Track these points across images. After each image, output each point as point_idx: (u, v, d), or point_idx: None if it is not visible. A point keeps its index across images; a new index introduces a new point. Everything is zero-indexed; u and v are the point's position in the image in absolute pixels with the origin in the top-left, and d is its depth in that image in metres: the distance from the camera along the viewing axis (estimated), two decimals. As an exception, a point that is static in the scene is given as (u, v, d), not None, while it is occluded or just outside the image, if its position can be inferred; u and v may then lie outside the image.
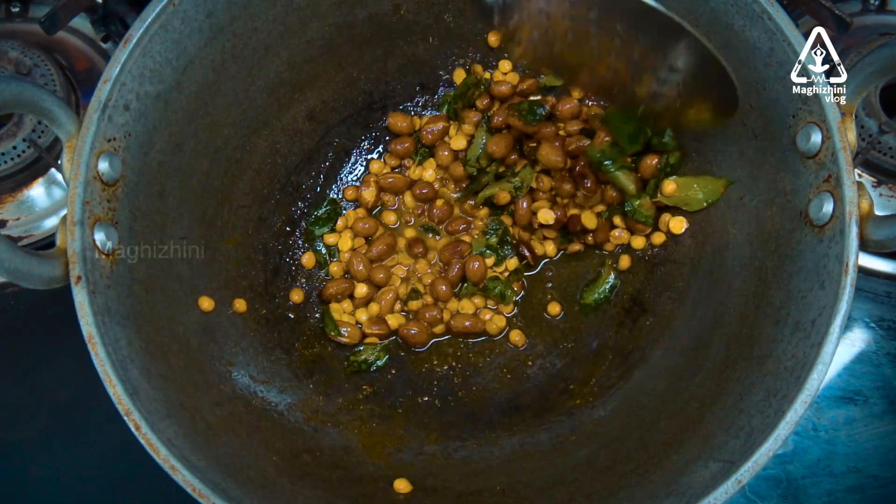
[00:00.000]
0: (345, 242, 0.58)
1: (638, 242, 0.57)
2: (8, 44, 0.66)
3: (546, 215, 0.56)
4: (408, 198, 0.60)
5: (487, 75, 0.60)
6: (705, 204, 0.53)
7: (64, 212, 0.41)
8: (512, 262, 0.58)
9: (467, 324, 0.56)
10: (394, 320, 0.56)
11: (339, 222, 0.59)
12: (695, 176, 0.54)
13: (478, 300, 0.58)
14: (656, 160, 0.55)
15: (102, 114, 0.42)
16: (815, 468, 0.57)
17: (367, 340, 0.56)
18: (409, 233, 0.60)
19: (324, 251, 0.59)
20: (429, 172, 0.60)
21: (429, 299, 0.58)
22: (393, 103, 0.61)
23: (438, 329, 0.57)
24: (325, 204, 0.60)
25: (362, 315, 0.57)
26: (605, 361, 0.55)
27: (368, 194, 0.59)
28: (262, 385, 0.51)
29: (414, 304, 0.58)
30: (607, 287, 0.57)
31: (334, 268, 0.58)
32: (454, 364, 0.56)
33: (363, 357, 0.56)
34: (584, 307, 0.57)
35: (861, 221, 0.41)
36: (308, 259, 0.58)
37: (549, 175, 0.58)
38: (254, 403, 0.49)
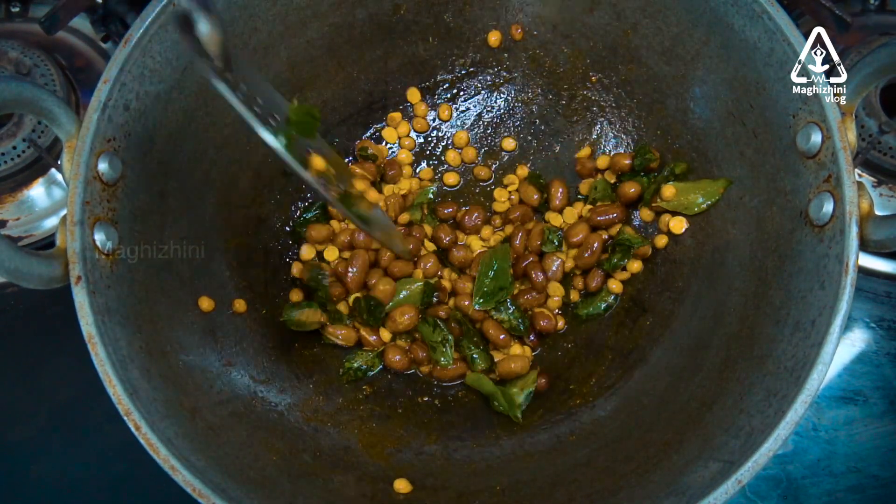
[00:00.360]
0: (331, 253, 0.57)
1: (635, 266, 0.56)
2: (8, 44, 0.66)
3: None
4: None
5: None
6: (705, 206, 0.53)
7: (64, 212, 0.41)
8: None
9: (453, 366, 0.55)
10: (386, 333, 0.56)
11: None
12: (694, 182, 0.54)
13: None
14: (633, 189, 0.55)
15: (102, 114, 0.42)
16: (815, 468, 0.57)
17: (366, 347, 0.56)
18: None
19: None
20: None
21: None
22: (393, 103, 0.61)
23: (425, 369, 0.56)
24: (315, 208, 0.59)
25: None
26: (605, 361, 0.55)
27: (307, 251, 0.57)
28: (262, 385, 0.51)
29: (402, 342, 0.56)
30: (603, 306, 0.57)
31: (305, 250, 0.57)
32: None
33: (356, 364, 0.55)
34: (576, 316, 0.57)
35: (861, 221, 0.41)
36: (298, 269, 0.57)
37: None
38: (254, 403, 0.49)
